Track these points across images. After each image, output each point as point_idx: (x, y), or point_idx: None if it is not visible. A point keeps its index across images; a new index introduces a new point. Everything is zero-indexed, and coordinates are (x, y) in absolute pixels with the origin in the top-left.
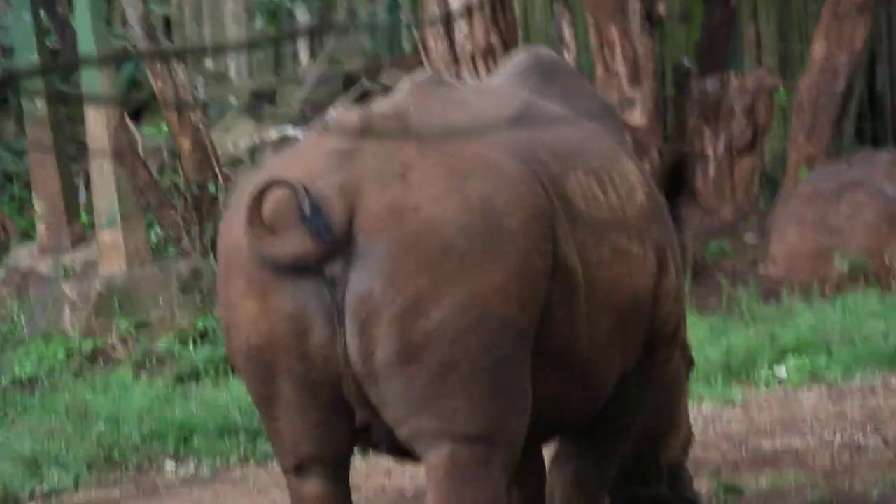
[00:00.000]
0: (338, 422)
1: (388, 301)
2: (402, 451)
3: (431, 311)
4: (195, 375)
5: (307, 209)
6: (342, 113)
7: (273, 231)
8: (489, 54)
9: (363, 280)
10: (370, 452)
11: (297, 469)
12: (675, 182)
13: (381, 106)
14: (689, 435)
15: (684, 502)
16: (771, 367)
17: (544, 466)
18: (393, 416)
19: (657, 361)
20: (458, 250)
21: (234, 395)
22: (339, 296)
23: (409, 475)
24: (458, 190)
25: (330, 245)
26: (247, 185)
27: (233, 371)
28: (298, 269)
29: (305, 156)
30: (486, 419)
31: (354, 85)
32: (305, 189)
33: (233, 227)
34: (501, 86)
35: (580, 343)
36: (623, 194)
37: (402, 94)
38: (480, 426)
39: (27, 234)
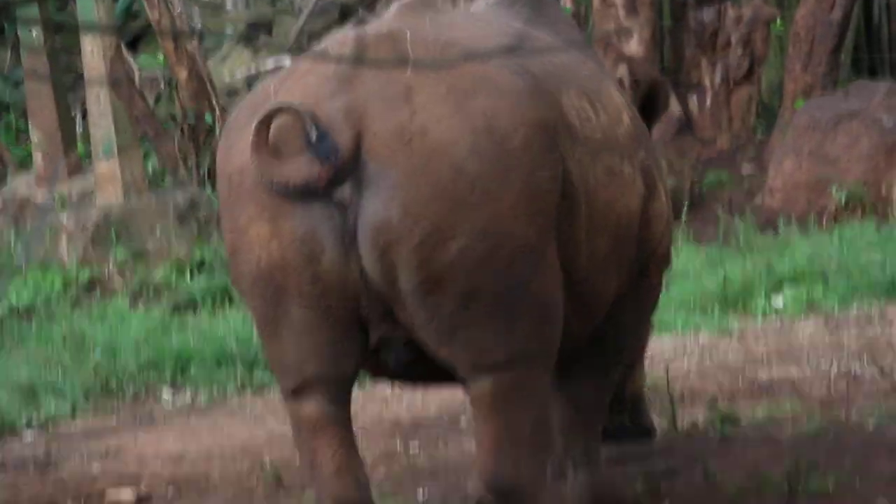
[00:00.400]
0: (348, 341)
1: (407, 231)
2: (412, 373)
3: (450, 241)
4: (192, 305)
5: (313, 135)
6: (338, 36)
7: (279, 157)
8: None
9: (378, 208)
10: (376, 378)
11: (299, 390)
12: (648, 111)
13: (375, 28)
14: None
15: (643, 432)
16: (768, 298)
17: None
18: (425, 339)
19: (651, 284)
20: (468, 174)
21: (231, 324)
22: (350, 220)
23: (405, 404)
24: (461, 109)
25: (338, 170)
26: (243, 109)
27: (230, 300)
28: (308, 193)
29: (305, 80)
30: (518, 343)
31: (351, 15)
32: (311, 114)
33: (235, 151)
34: (489, 13)
35: (580, 262)
36: (611, 116)
37: (392, 16)
38: (513, 351)
39: (24, 164)
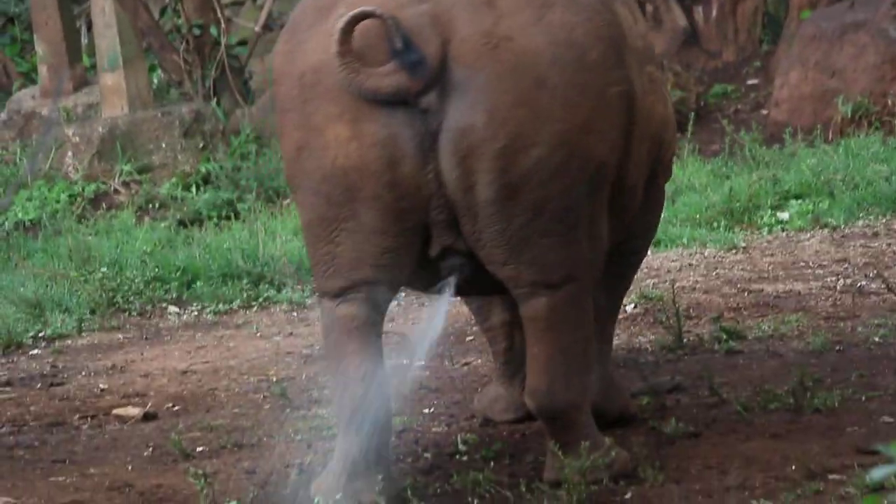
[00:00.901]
0: (408, 249)
1: (491, 135)
2: (464, 287)
3: (531, 148)
4: (198, 220)
5: (398, 43)
6: None
7: (365, 63)
8: None
9: (463, 112)
10: (420, 290)
11: (344, 292)
12: None
13: None
14: None
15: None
16: (774, 211)
17: None
18: (490, 256)
19: (661, 189)
20: (550, 84)
21: (238, 239)
22: (433, 125)
23: (411, 321)
24: (542, 20)
25: (427, 80)
26: (307, 9)
27: (236, 215)
28: (397, 101)
29: None
30: (575, 260)
31: None
32: (395, 21)
33: (307, 50)
34: None
35: (630, 171)
36: (641, 23)
37: None
38: (572, 268)
39: (29, 77)
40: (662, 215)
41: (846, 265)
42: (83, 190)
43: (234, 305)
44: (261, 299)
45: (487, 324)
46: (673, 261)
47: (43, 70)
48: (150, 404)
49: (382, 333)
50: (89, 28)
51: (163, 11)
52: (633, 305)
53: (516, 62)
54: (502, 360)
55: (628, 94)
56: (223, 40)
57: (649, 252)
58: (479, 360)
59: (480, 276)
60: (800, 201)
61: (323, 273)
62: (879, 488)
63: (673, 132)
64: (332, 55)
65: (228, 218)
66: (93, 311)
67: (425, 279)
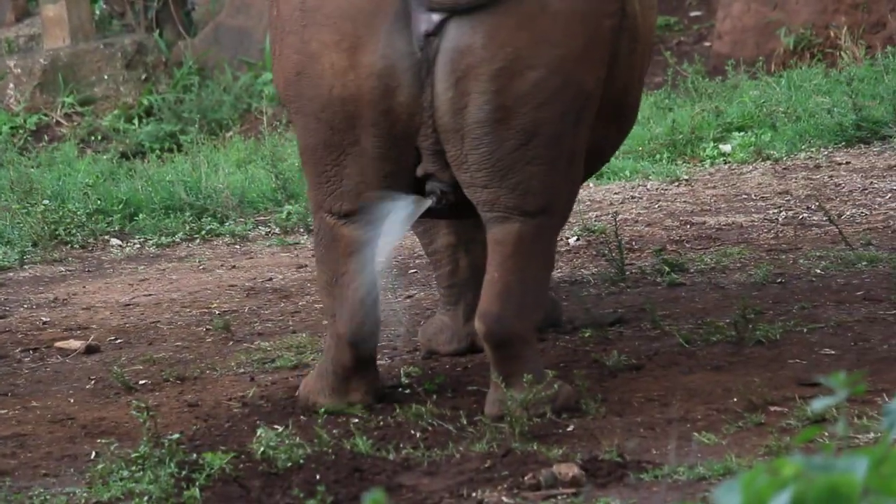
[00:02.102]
0: (405, 173)
1: (489, 56)
2: (444, 210)
3: (528, 71)
4: (140, 152)
5: None
6: None
7: None
8: None
9: (463, 33)
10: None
11: (349, 213)
12: None
13: None
14: None
15: None
16: (716, 144)
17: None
18: (471, 178)
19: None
20: (552, 9)
21: (180, 172)
22: (432, 51)
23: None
24: None
25: None
26: None
27: (178, 148)
28: (393, 22)
29: None
30: (556, 190)
31: None
32: None
33: None
34: None
35: (627, 92)
36: None
37: None
38: (550, 199)
39: None
40: None
41: (788, 197)
42: (25, 122)
43: (177, 238)
44: (203, 232)
45: (432, 247)
46: (615, 193)
47: None
48: (92, 337)
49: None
50: None
51: None
52: (575, 238)
53: None
54: (445, 285)
55: (630, 15)
56: None
57: (591, 184)
58: (422, 294)
59: (459, 204)
60: (742, 133)
61: (328, 193)
62: (820, 420)
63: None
64: None
65: (171, 150)
66: (34, 244)
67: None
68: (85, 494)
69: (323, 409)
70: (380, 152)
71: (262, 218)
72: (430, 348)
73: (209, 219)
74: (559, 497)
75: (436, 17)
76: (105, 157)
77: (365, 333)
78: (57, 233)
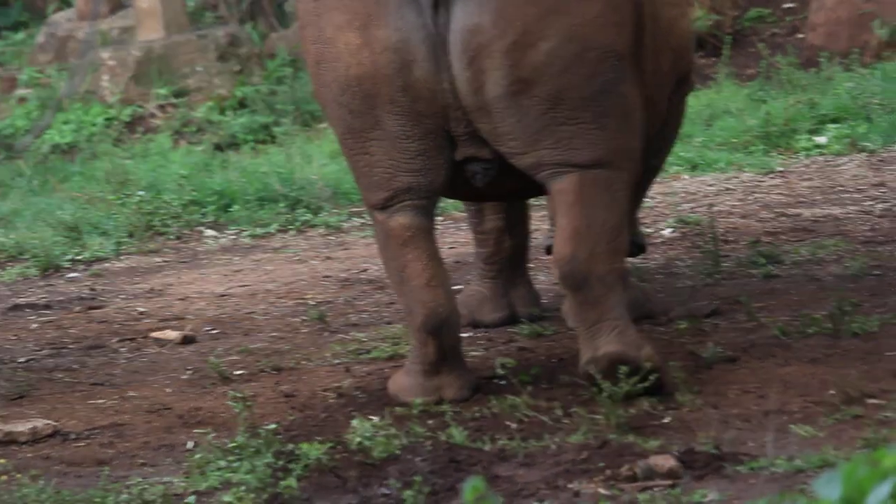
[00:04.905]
0: (437, 153)
1: (499, 33)
2: (493, 190)
3: (540, 43)
4: (234, 144)
5: None
6: None
7: None
8: None
9: (471, 12)
10: (454, 197)
11: (388, 202)
12: None
13: None
14: None
15: (638, 247)
16: (810, 136)
17: (528, 218)
18: (510, 148)
19: (682, 100)
20: None
21: (274, 163)
22: (441, 25)
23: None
24: None
25: None
26: None
27: (272, 139)
28: None
29: None
30: (606, 144)
31: None
32: None
33: None
34: None
35: (649, 82)
36: None
37: None
38: (599, 153)
39: (65, 0)
40: (699, 139)
41: (884, 189)
42: (119, 113)
43: (271, 229)
44: (298, 223)
45: (480, 228)
46: (710, 185)
47: None
48: (188, 327)
49: (435, 235)
50: None
51: None
52: (670, 230)
53: None
54: (488, 262)
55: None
56: None
57: (686, 176)
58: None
59: (507, 177)
60: (837, 125)
61: (366, 186)
62: None
63: (692, 41)
64: None
65: (264, 142)
66: (130, 235)
67: (456, 183)
68: (182, 484)
69: (417, 403)
70: (404, 132)
71: (356, 209)
72: (474, 319)
73: (303, 210)
74: (655, 489)
75: None
76: (199, 148)
77: (439, 319)
78: (152, 224)
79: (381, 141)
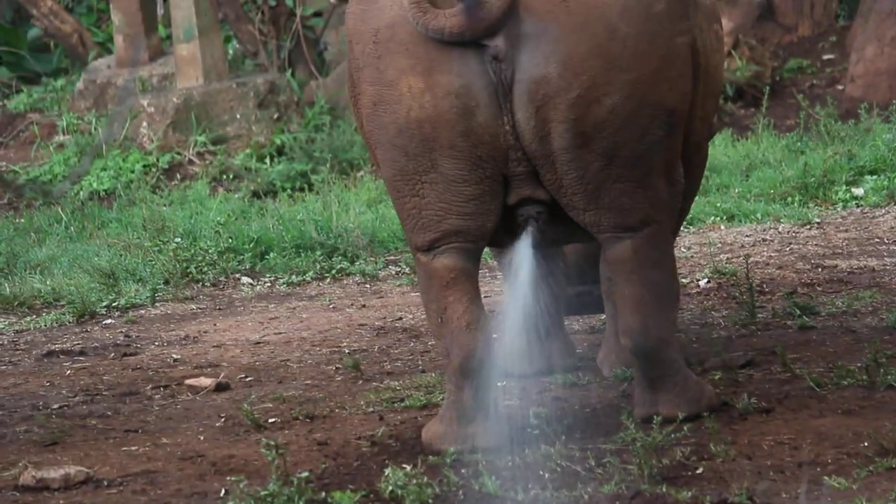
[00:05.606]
0: (491, 198)
1: (565, 85)
2: (543, 236)
3: (604, 98)
4: (272, 191)
5: None
6: None
7: (436, 6)
8: None
9: (538, 63)
10: (498, 245)
11: (434, 244)
12: None
13: None
14: None
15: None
16: (848, 187)
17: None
18: (572, 201)
19: (706, 148)
20: (621, 34)
21: (311, 211)
22: (506, 76)
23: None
24: None
25: (485, 22)
26: None
27: (310, 187)
28: (463, 45)
29: None
30: (653, 202)
31: None
32: None
33: (382, 7)
34: None
35: (696, 126)
36: None
37: None
38: (650, 211)
39: (105, 47)
40: (737, 190)
41: None
42: (158, 160)
43: (308, 277)
44: (334, 271)
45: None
46: (747, 236)
47: (119, 40)
48: (222, 375)
49: (478, 279)
50: None
51: None
52: (706, 280)
53: (587, 14)
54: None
55: (694, 46)
56: (298, 11)
57: (722, 226)
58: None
59: (556, 224)
60: (875, 177)
61: (412, 227)
62: None
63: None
64: (405, 9)
65: (302, 189)
66: (166, 282)
67: (504, 229)
68: None
69: (450, 452)
70: (461, 175)
71: (392, 257)
72: (509, 369)
73: (340, 258)
74: None
75: (500, 43)
76: (236, 195)
77: (477, 362)
78: (188, 271)
79: (434, 184)
